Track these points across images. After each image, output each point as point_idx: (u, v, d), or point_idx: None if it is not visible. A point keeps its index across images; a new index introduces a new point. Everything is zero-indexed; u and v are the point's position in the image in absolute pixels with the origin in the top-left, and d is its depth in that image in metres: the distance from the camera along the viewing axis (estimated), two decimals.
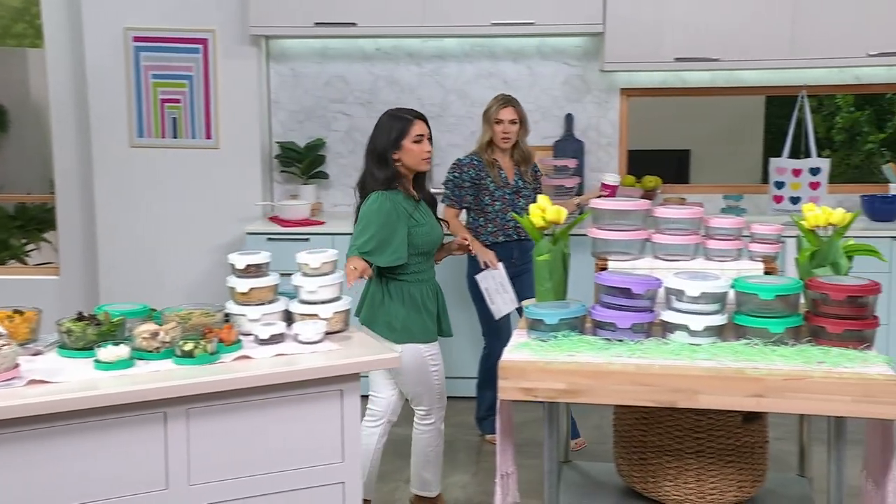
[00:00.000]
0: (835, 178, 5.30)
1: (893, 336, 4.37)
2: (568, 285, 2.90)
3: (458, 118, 5.14)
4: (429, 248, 3.20)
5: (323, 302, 2.73)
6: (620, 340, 2.56)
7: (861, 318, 2.47)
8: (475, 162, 4.03)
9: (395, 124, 3.19)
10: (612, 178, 4.05)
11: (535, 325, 2.65)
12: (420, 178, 3.28)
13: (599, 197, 3.92)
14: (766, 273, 2.78)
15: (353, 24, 4.69)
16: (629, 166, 5.16)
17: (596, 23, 4.60)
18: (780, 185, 4.69)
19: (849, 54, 4.49)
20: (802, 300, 2.62)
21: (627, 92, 5.05)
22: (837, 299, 2.47)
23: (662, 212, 2.87)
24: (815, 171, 4.63)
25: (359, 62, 5.12)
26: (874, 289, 2.49)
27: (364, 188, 3.21)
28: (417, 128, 3.19)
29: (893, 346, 4.33)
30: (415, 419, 3.30)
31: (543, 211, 2.86)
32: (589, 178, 5.08)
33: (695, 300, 2.53)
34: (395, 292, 3.15)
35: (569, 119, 5.04)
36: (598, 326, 2.62)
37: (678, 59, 4.60)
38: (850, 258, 2.72)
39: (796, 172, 4.65)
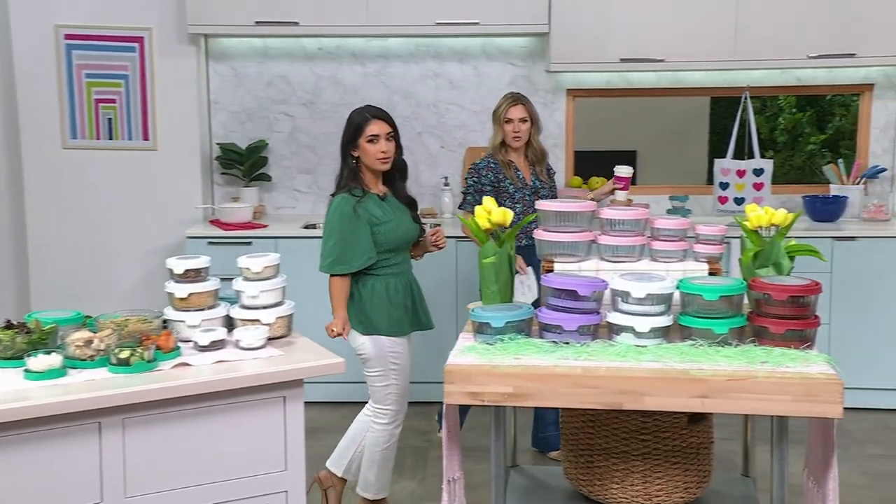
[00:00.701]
0: (778, 179, 5.42)
1: (835, 335, 4.49)
2: (514, 288, 2.92)
3: (404, 119, 5.13)
4: (394, 245, 3.25)
5: (265, 307, 2.72)
6: (567, 343, 2.59)
7: (803, 317, 2.54)
8: (492, 164, 3.91)
9: (354, 121, 3.28)
10: (626, 171, 3.98)
11: (481, 329, 2.67)
12: (391, 176, 3.32)
13: (613, 190, 3.95)
14: (711, 274, 2.83)
15: (295, 24, 4.66)
16: (576, 167, 5.22)
17: (541, 23, 4.64)
18: (724, 185, 4.79)
19: (790, 56, 4.61)
20: (746, 300, 2.68)
21: (573, 92, 5.11)
22: (779, 299, 2.53)
23: (608, 213, 2.91)
24: (758, 172, 4.74)
25: (301, 62, 5.09)
26: (815, 289, 2.56)
27: (336, 186, 3.30)
28: (373, 127, 3.24)
29: (835, 346, 4.44)
30: (372, 417, 3.32)
31: (489, 213, 2.88)
32: None
33: (640, 301, 2.57)
34: (364, 286, 3.23)
35: None
36: (545, 329, 2.65)
37: (623, 60, 4.67)
38: (791, 258, 2.79)
39: (740, 173, 4.75)
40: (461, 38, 4.99)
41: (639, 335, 2.56)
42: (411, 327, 3.33)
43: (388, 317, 3.22)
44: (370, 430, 3.33)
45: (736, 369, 2.38)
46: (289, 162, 5.18)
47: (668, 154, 6.90)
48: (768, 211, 2.80)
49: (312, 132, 5.15)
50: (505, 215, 2.87)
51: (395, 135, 3.29)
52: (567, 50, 4.65)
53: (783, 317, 2.53)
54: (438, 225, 3.47)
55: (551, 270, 2.85)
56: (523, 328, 2.66)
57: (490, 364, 2.48)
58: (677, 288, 2.63)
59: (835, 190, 4.94)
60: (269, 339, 2.63)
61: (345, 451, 3.40)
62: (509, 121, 3.89)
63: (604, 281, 2.67)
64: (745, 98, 4.78)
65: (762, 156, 4.79)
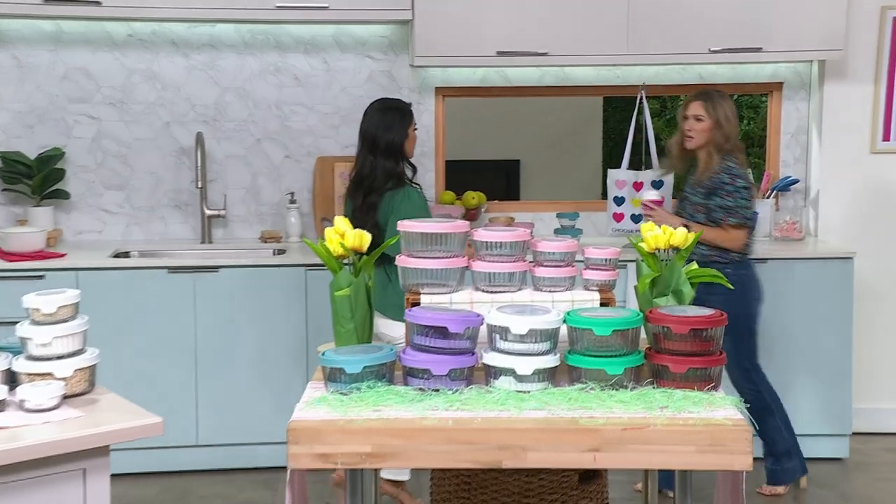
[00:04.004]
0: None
1: None
2: (374, 325, 2.94)
3: (239, 123, 5.10)
4: None
5: (59, 357, 2.63)
6: (436, 390, 2.61)
7: (706, 354, 2.65)
8: None
9: (405, 109, 4.06)
10: (653, 194, 4.35)
11: (333, 375, 2.65)
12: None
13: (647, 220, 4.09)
14: (603, 304, 2.92)
15: (97, 3, 4.56)
16: (447, 180, 5.30)
17: (403, 8, 4.71)
18: (619, 200, 4.96)
19: (690, 49, 4.84)
20: (644, 335, 2.77)
21: (443, 91, 5.20)
22: (680, 333, 2.63)
23: (482, 235, 2.96)
24: (657, 185, 4.93)
25: (106, 51, 4.98)
26: (720, 320, 2.67)
27: (379, 185, 3.93)
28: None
29: None
30: None
31: (342, 236, 2.89)
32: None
33: (522, 339, 2.62)
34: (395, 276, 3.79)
35: None
36: (410, 374, 2.67)
37: (501, 53, 4.79)
38: (693, 285, 2.92)
39: (637, 186, 4.93)
40: (308, 24, 5.01)
41: (520, 379, 2.61)
42: None
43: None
44: None
45: (632, 416, 2.46)
46: (93, 175, 5.05)
47: (555, 164, 7.11)
48: (666, 230, 2.92)
49: (123, 138, 5.04)
50: (361, 238, 2.88)
51: None
52: (434, 41, 4.73)
53: (685, 353, 2.63)
54: None
55: (417, 303, 2.88)
56: (385, 373, 2.67)
57: (344, 419, 2.47)
58: (564, 322, 2.70)
59: None
60: (65, 397, 2.55)
61: None
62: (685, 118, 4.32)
63: (479, 315, 2.71)
64: (641, 98, 4.98)
65: (662, 165, 4.98)
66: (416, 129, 4.10)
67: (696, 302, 4.08)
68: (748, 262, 4.28)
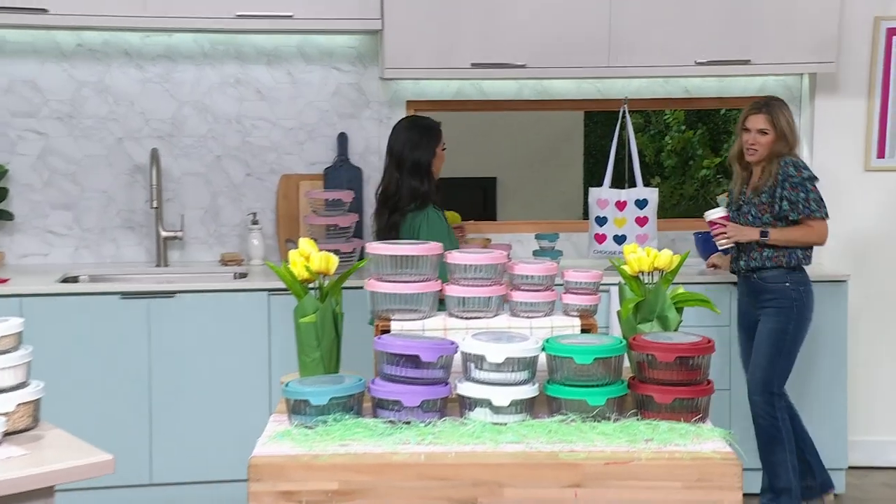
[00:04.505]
0: (666, 212, 5.71)
1: (736, 404, 4.67)
2: (341, 354, 2.93)
3: (198, 139, 5.09)
4: None
5: (1, 391, 2.60)
6: (407, 423, 2.62)
7: (693, 383, 2.66)
8: None
9: (433, 127, 4.19)
10: (719, 212, 4.42)
11: (298, 408, 2.65)
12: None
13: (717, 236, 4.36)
14: (584, 331, 2.93)
15: (44, 11, 4.54)
16: None
17: (372, 17, 4.72)
18: (602, 220, 4.98)
19: (674, 62, 4.87)
20: (627, 363, 2.78)
21: (415, 105, 5.21)
22: (665, 361, 2.65)
23: (456, 257, 2.97)
24: (641, 204, 4.94)
25: (54, 62, 4.97)
26: (707, 347, 2.69)
27: (403, 204, 4.06)
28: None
29: (736, 417, 4.61)
30: None
31: (307, 259, 2.88)
32: (370, 216, 5.16)
33: (498, 368, 2.63)
34: None
35: (342, 140, 5.12)
36: (380, 406, 2.67)
37: (476, 65, 4.80)
38: (680, 310, 2.93)
39: (620, 205, 4.94)
40: (271, 34, 5.01)
41: (497, 410, 2.61)
42: None
43: None
44: None
45: (615, 450, 2.47)
46: (39, 195, 5.01)
47: (534, 182, 7.15)
48: (650, 252, 2.94)
49: (72, 155, 5.02)
50: (328, 262, 2.88)
51: None
52: (406, 52, 4.75)
53: (670, 383, 2.65)
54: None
55: (387, 330, 2.88)
56: (353, 405, 2.67)
57: (309, 454, 2.48)
58: (543, 350, 2.71)
59: None
60: (7, 433, 2.53)
61: None
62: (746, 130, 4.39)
63: (453, 343, 2.71)
64: (624, 112, 5.01)
65: (646, 183, 5.01)
66: (444, 149, 4.19)
67: (742, 311, 4.34)
68: (807, 277, 4.36)
